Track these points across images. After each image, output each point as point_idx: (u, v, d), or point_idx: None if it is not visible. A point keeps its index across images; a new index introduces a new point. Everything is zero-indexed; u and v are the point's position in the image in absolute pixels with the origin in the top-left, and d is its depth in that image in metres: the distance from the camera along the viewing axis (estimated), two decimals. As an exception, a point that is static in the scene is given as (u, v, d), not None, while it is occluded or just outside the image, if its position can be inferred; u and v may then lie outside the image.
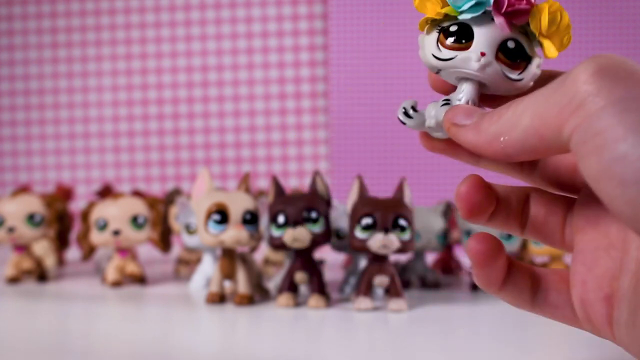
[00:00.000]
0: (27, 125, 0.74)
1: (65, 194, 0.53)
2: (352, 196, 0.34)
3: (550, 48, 0.15)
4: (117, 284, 0.41)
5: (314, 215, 0.33)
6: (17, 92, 0.74)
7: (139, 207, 0.41)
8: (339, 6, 0.66)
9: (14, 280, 0.43)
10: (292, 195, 0.35)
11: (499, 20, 0.15)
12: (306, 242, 0.33)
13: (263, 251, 0.48)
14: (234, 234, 0.33)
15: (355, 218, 0.33)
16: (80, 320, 0.34)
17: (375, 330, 0.31)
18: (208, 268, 0.41)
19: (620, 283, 0.14)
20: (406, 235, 0.32)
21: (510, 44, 0.15)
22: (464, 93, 0.16)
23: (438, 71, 0.16)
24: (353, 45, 0.66)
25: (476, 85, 0.16)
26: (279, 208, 0.34)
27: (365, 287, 0.34)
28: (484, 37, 0.15)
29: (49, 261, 0.48)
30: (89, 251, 0.43)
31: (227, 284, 0.37)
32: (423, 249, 0.39)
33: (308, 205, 0.33)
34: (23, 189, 0.48)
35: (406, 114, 0.16)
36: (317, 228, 0.34)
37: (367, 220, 0.32)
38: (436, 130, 0.16)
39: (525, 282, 0.15)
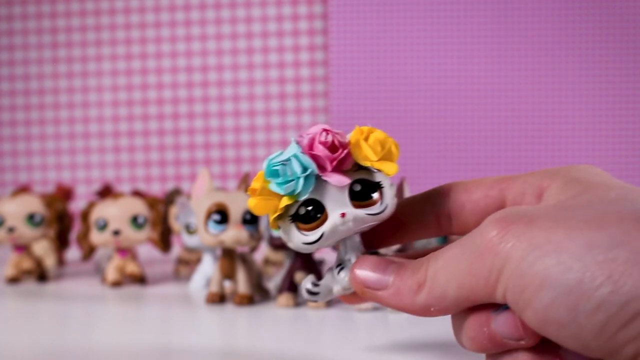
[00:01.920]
0: (27, 125, 0.74)
1: (65, 194, 0.53)
2: None
3: (387, 168, 0.16)
4: (117, 284, 0.41)
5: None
6: (17, 92, 0.74)
7: (139, 207, 0.41)
8: (339, 6, 0.66)
9: (14, 280, 0.43)
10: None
11: (332, 179, 0.15)
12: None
13: (263, 251, 0.48)
14: (234, 234, 0.33)
15: None
16: (80, 320, 0.34)
17: (376, 330, 0.31)
18: (208, 268, 0.41)
19: None
20: (406, 236, 0.32)
21: (356, 188, 0.16)
22: (350, 250, 0.16)
23: (316, 250, 0.17)
24: (353, 45, 0.66)
25: (353, 237, 0.16)
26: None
27: (365, 287, 0.33)
28: (333, 201, 0.16)
29: (49, 261, 0.48)
30: (89, 251, 0.43)
31: (227, 284, 0.37)
32: (423, 249, 0.39)
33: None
34: (23, 189, 0.48)
35: (310, 292, 0.17)
36: (317, 228, 0.33)
37: None
38: (344, 294, 0.16)
39: None
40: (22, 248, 0.43)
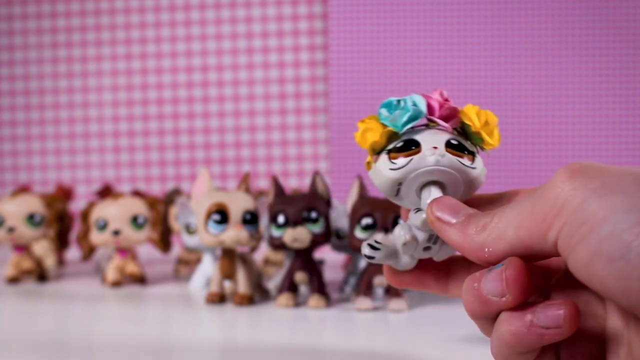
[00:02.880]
0: (27, 125, 0.74)
1: (65, 194, 0.53)
2: (352, 196, 0.34)
3: (489, 139, 0.16)
4: (117, 284, 0.41)
5: (314, 215, 0.33)
6: (17, 92, 0.74)
7: (139, 207, 0.41)
8: (339, 6, 0.66)
9: (14, 280, 0.43)
10: (292, 196, 0.35)
11: (438, 119, 0.16)
12: (306, 242, 0.33)
13: (263, 251, 0.48)
14: (234, 234, 0.33)
15: (355, 218, 0.33)
16: (80, 320, 0.34)
17: (375, 330, 0.31)
18: (208, 268, 0.41)
19: (609, 350, 0.14)
20: (406, 235, 0.32)
21: (454, 141, 0.16)
22: (432, 197, 0.16)
23: (398, 189, 0.16)
24: (353, 45, 0.66)
25: (438, 188, 0.16)
26: (279, 208, 0.34)
27: (365, 287, 0.34)
28: (429, 139, 0.16)
29: (49, 261, 0.48)
30: (89, 251, 0.43)
31: (227, 284, 0.37)
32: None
33: (308, 205, 0.33)
34: (23, 189, 0.48)
35: (372, 247, 0.16)
36: (317, 228, 0.33)
37: (367, 220, 0.32)
38: (410, 247, 0.16)
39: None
40: (22, 248, 0.43)
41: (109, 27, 0.73)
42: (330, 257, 0.47)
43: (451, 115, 0.16)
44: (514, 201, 0.15)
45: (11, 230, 0.42)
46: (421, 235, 0.16)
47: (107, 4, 0.73)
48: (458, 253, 0.16)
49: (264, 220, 0.37)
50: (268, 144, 0.72)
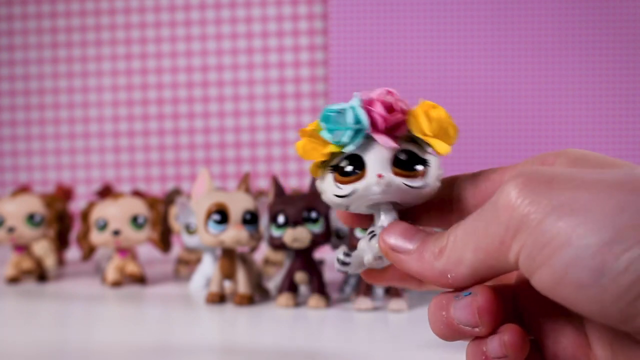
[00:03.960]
0: (27, 125, 0.74)
1: (65, 194, 0.53)
2: None
3: (439, 146, 0.15)
4: (117, 284, 0.41)
5: (314, 215, 0.33)
6: (17, 92, 0.74)
7: (139, 207, 0.41)
8: (339, 6, 0.66)
9: (14, 280, 0.43)
10: (292, 196, 0.35)
11: (381, 139, 0.15)
12: (306, 242, 0.33)
13: (263, 251, 0.48)
14: (234, 234, 0.33)
15: None
16: (80, 320, 0.34)
17: (376, 330, 0.31)
18: (208, 268, 0.41)
19: (595, 351, 0.14)
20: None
21: (402, 156, 0.15)
22: (383, 219, 0.16)
23: (347, 207, 0.16)
24: (353, 45, 0.66)
25: (389, 206, 0.16)
26: (279, 208, 0.34)
27: (365, 287, 0.33)
28: (375, 160, 0.15)
29: (49, 261, 0.48)
30: (89, 251, 0.43)
31: (227, 284, 0.37)
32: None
33: (308, 205, 0.33)
34: (23, 189, 0.48)
35: (342, 262, 0.16)
36: (317, 228, 0.33)
37: None
38: (376, 264, 0.16)
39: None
40: (22, 248, 0.43)
41: (109, 27, 0.73)
42: (330, 257, 0.47)
43: (397, 124, 0.15)
44: (469, 216, 0.14)
45: (11, 230, 0.42)
46: (379, 252, 0.16)
47: (107, 4, 0.73)
48: None
49: (264, 220, 0.36)
50: (268, 144, 0.72)
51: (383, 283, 0.17)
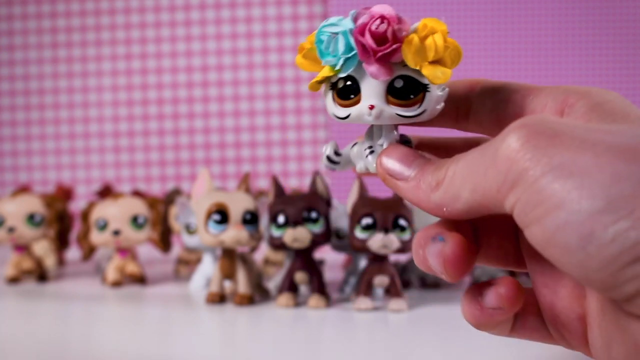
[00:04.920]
0: (27, 125, 0.74)
1: (65, 194, 0.53)
2: (352, 196, 0.34)
3: (435, 76, 0.15)
4: (117, 284, 0.41)
5: (314, 215, 0.33)
6: (17, 92, 0.74)
7: (139, 207, 0.41)
8: (339, 7, 0.66)
9: (14, 280, 0.43)
10: (292, 196, 0.35)
11: (371, 69, 0.15)
12: (306, 242, 0.33)
13: (263, 251, 0.48)
14: (234, 234, 0.33)
15: (355, 218, 0.33)
16: (80, 320, 0.34)
17: (375, 330, 0.31)
18: (208, 268, 0.41)
19: (589, 303, 0.14)
20: (406, 235, 0.32)
21: (398, 84, 0.15)
22: (384, 137, 0.16)
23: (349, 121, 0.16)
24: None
25: (391, 125, 0.16)
26: (279, 208, 0.34)
27: (365, 287, 0.33)
28: (369, 87, 0.15)
29: (49, 261, 0.48)
30: (89, 251, 0.43)
31: (227, 284, 0.37)
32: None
33: (308, 205, 0.33)
34: (23, 189, 0.48)
35: (331, 161, 0.16)
36: (317, 228, 0.33)
37: (367, 220, 0.32)
38: (366, 171, 0.16)
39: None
40: (22, 248, 0.43)
41: (109, 27, 0.73)
42: (330, 257, 0.47)
43: (393, 52, 0.14)
44: (466, 152, 0.14)
45: (11, 230, 0.42)
46: (373, 167, 0.16)
47: (107, 4, 0.73)
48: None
49: (264, 220, 0.36)
50: (268, 144, 0.72)
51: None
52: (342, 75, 0.15)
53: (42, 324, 0.33)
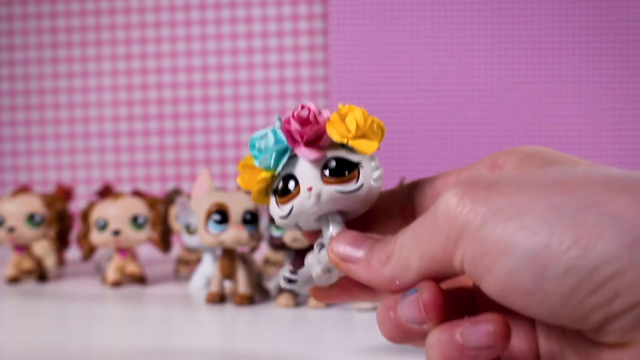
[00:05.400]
0: (27, 125, 0.74)
1: (65, 194, 0.53)
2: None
3: (364, 147, 0.15)
4: (117, 284, 0.41)
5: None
6: (17, 92, 0.74)
7: (139, 207, 0.41)
8: (339, 6, 0.66)
9: (14, 280, 0.42)
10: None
11: (301, 152, 0.15)
12: (306, 242, 0.33)
13: (263, 251, 0.48)
14: (234, 234, 0.33)
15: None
16: (80, 320, 0.34)
17: (376, 330, 0.30)
18: (208, 268, 0.41)
19: (546, 346, 0.14)
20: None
21: (331, 164, 0.15)
22: (331, 229, 0.16)
23: (297, 227, 0.16)
24: (353, 45, 0.66)
25: (336, 216, 0.16)
26: None
27: (365, 287, 0.33)
28: (305, 174, 0.15)
29: (49, 261, 0.48)
30: (89, 251, 0.43)
31: (227, 284, 0.37)
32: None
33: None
34: (23, 189, 0.47)
35: (289, 280, 0.16)
36: (317, 228, 0.33)
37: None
38: (325, 278, 0.16)
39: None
40: (22, 248, 0.43)
41: (109, 27, 0.73)
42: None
43: (319, 135, 0.15)
44: (414, 222, 0.14)
45: (11, 230, 0.42)
46: (328, 262, 0.16)
47: (107, 4, 0.73)
48: None
49: (264, 220, 0.36)
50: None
51: (331, 299, 0.17)
52: (278, 171, 0.16)
53: (42, 325, 0.33)
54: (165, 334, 0.31)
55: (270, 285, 0.39)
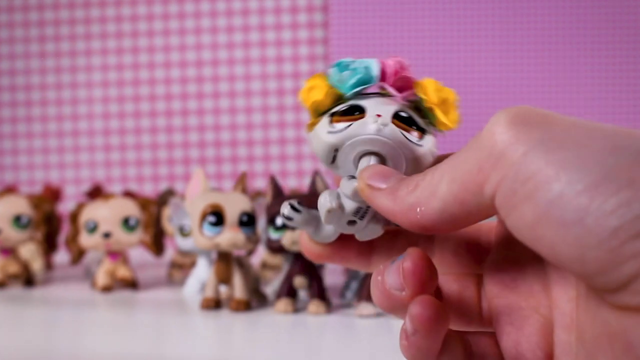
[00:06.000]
0: (13, 123, 0.72)
1: (53, 194, 0.52)
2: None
3: (443, 118, 0.15)
4: (107, 288, 0.40)
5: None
6: (2, 88, 0.72)
7: (131, 209, 0.41)
8: (340, 5, 0.65)
9: (-1, 285, 0.41)
10: (291, 196, 0.35)
11: (389, 87, 0.15)
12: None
13: (260, 254, 0.47)
14: (230, 236, 0.33)
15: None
16: (68, 327, 0.33)
17: (378, 337, 0.30)
18: (203, 272, 0.40)
19: (557, 338, 0.13)
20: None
21: (403, 114, 0.15)
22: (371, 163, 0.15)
23: (335, 156, 0.15)
24: (354, 38, 0.65)
25: (377, 159, 0.15)
26: (278, 209, 0.33)
27: (367, 292, 0.33)
28: (376, 106, 0.15)
29: (36, 265, 0.47)
30: (78, 254, 0.42)
31: (223, 289, 0.36)
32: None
33: (308, 206, 0.32)
34: (9, 190, 0.47)
35: (294, 208, 0.15)
36: (318, 230, 0.32)
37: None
38: (331, 217, 0.15)
39: (459, 350, 0.14)
40: (8, 251, 0.42)
41: (98, 19, 0.71)
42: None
43: (406, 85, 0.15)
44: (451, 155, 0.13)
45: (-4, 232, 0.40)
46: (349, 206, 0.15)
47: (98, -3, 0.71)
48: (382, 233, 0.15)
49: (261, 222, 0.36)
50: (266, 142, 0.70)
51: (322, 259, 0.16)
52: (350, 92, 0.15)
53: (29, 332, 0.32)
54: (158, 341, 0.30)
55: (268, 290, 0.38)
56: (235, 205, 0.33)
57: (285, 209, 0.15)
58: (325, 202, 0.15)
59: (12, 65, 0.72)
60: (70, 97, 0.72)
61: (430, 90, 0.15)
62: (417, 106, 0.15)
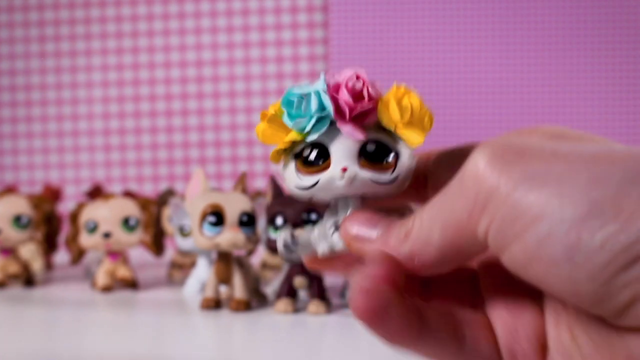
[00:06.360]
0: (13, 123, 0.72)
1: (53, 194, 0.52)
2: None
3: (412, 137, 0.14)
4: (107, 289, 0.40)
5: (314, 216, 0.33)
6: (2, 88, 0.72)
7: (131, 209, 0.41)
8: (340, 5, 0.65)
9: (-1, 285, 0.41)
10: (291, 196, 0.34)
11: (346, 129, 0.14)
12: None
13: (260, 254, 0.47)
14: (230, 236, 0.33)
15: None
16: (68, 327, 0.33)
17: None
18: (203, 272, 0.40)
19: (559, 334, 0.13)
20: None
21: (370, 147, 0.14)
22: (348, 211, 0.15)
23: (310, 198, 0.15)
24: (354, 38, 0.65)
25: (357, 198, 0.15)
26: (278, 209, 0.33)
27: (368, 292, 0.32)
28: (340, 150, 0.14)
29: (36, 265, 0.47)
30: (78, 254, 0.42)
31: (223, 289, 0.36)
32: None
33: (307, 206, 0.33)
34: (9, 190, 0.47)
35: (286, 247, 0.15)
36: (318, 230, 0.32)
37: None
38: (329, 255, 0.15)
39: (447, 331, 0.13)
40: (8, 251, 0.42)
41: (99, 19, 0.71)
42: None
43: (366, 113, 0.14)
44: (435, 195, 0.13)
45: (-4, 232, 0.40)
46: (340, 244, 0.15)
47: (98, -3, 0.71)
48: None
49: (261, 222, 0.36)
50: (265, 142, 0.70)
51: (323, 267, 0.16)
52: (311, 139, 0.14)
53: (29, 332, 0.32)
54: (158, 341, 0.30)
55: (268, 290, 0.38)
56: (235, 205, 0.33)
57: (279, 245, 0.15)
58: (320, 247, 0.15)
59: (12, 65, 0.72)
60: (70, 97, 0.72)
61: (391, 109, 0.14)
62: (382, 126, 0.15)
